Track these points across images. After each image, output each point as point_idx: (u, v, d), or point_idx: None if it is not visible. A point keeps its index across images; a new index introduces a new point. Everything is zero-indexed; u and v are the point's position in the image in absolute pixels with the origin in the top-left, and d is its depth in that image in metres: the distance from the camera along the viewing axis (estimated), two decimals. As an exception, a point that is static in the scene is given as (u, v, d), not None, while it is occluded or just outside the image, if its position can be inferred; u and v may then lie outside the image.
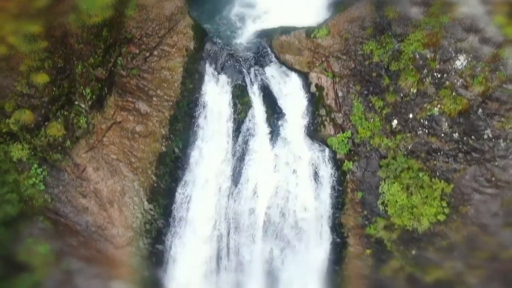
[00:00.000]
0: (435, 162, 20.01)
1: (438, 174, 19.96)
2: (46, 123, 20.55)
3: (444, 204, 19.74)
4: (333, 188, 21.32)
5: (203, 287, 21.94)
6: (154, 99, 21.09)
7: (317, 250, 21.32)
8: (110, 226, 21.13)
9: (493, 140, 19.35)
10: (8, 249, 20.76)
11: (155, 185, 21.42)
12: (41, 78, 19.91)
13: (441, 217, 19.69)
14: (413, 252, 20.18)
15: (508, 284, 19.01)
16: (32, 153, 20.62)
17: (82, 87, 20.70)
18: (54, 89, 20.19)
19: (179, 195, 21.63)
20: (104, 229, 21.09)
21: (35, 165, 20.87)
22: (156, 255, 21.63)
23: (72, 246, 21.09)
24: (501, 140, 19.24)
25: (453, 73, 19.61)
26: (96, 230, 21.09)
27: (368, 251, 20.79)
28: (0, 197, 20.28)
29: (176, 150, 21.63)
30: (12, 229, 20.75)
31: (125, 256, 21.08)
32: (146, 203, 21.43)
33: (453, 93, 19.62)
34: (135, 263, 21.26)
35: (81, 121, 20.98)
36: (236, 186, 21.52)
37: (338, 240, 21.31)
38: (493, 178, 19.68)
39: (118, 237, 21.13)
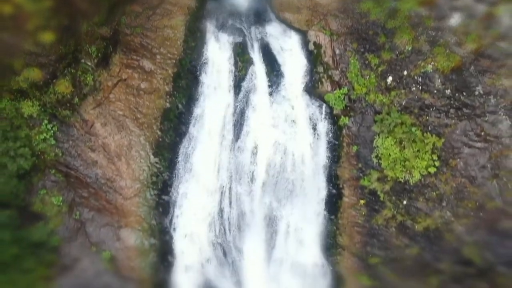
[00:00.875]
0: (427, 117, 20.36)
1: (430, 129, 20.33)
2: (54, 81, 20.88)
3: (435, 157, 20.19)
4: (329, 142, 21.70)
5: (207, 236, 22.67)
6: (158, 57, 21.29)
7: (313, 201, 21.82)
8: (118, 178, 21.75)
9: (483, 96, 19.62)
10: (23, 200, 21.50)
11: (160, 139, 21.88)
12: (48, 37, 20.05)
13: (432, 170, 20.18)
14: (404, 202, 20.68)
15: (492, 232, 19.64)
16: (42, 109, 21.08)
17: (87, 46, 20.88)
18: (60, 47, 20.37)
19: (183, 149, 22.19)
20: (113, 181, 21.72)
21: (45, 121, 21.36)
22: (162, 206, 22.27)
23: (83, 197, 21.79)
24: (491, 96, 19.51)
25: (447, 31, 19.69)
26: (105, 182, 21.72)
27: (362, 202, 21.28)
28: (14, 151, 20.88)
29: (180, 106, 21.98)
30: (26, 182, 21.42)
31: (133, 206, 21.77)
32: (152, 156, 21.93)
33: (447, 51, 19.76)
34: (142, 213, 21.91)
35: (88, 78, 21.30)
36: (237, 140, 22.02)
37: (334, 191, 21.78)
38: (483, 133, 20.06)
39: (126, 189, 21.75)
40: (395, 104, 20.60)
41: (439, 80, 19.99)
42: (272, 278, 21.69)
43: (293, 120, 21.78)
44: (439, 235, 20.29)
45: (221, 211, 22.30)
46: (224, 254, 22.30)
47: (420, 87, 20.28)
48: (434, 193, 20.39)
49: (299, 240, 21.86)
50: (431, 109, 20.29)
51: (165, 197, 22.28)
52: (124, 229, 21.84)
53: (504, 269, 19.26)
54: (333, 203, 21.93)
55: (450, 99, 20.01)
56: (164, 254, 22.09)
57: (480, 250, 19.60)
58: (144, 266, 21.81)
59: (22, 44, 19.83)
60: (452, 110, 20.22)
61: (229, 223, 22.29)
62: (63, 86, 20.96)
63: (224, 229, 22.49)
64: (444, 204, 20.35)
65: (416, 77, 20.27)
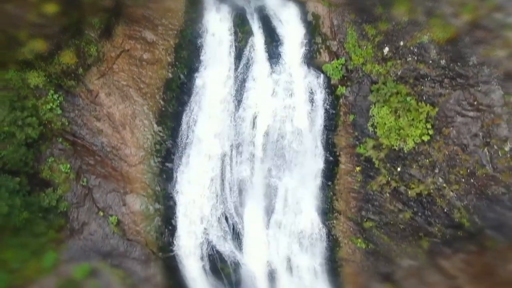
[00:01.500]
0: (422, 87, 20.59)
1: (424, 98, 20.53)
2: (59, 52, 21.03)
3: (429, 126, 20.48)
4: (327, 111, 21.95)
5: (209, 201, 23.21)
6: (160, 28, 21.38)
7: (311, 168, 22.23)
8: (123, 146, 22.18)
9: (477, 66, 19.75)
10: (32, 167, 22.01)
11: (163, 109, 22.18)
12: (51, 8, 20.11)
13: (426, 138, 20.52)
14: (398, 169, 21.07)
15: (482, 198, 20.10)
16: (48, 80, 21.30)
17: (90, 17, 21.00)
18: (64, 18, 20.45)
19: (185, 118, 22.51)
20: (118, 149, 22.15)
21: (51, 91, 21.63)
22: (166, 172, 22.74)
23: (90, 165, 22.29)
24: (485, 66, 19.63)
25: (444, 2, 19.63)
26: (111, 150, 22.17)
27: (357, 168, 21.74)
28: (21, 121, 21.25)
29: (182, 76, 22.18)
30: (34, 150, 21.87)
31: (138, 173, 22.28)
32: (155, 125, 22.28)
33: (443, 22, 19.82)
34: (147, 180, 22.41)
35: (92, 49, 21.45)
36: (237, 110, 22.33)
37: (331, 158, 22.16)
38: (475, 102, 20.30)
39: (131, 156, 22.20)
40: (391, 74, 20.79)
41: (435, 51, 20.11)
42: (271, 241, 22.31)
43: (292, 90, 22.03)
44: (431, 201, 20.79)
45: (222, 177, 22.73)
46: (226, 218, 22.92)
47: (415, 58, 20.43)
48: (427, 160, 20.81)
49: (297, 206, 22.40)
50: (426, 79, 20.48)
51: (168, 165, 22.75)
52: (130, 195, 22.39)
53: (492, 232, 19.86)
54: (330, 170, 22.34)
55: (445, 69, 20.17)
56: (168, 219, 22.66)
57: (470, 215, 20.14)
58: (149, 230, 22.43)
59: (26, 15, 19.92)
60: (446, 80, 20.42)
61: (230, 189, 22.78)
62: (67, 57, 21.17)
63: (225, 195, 23.01)
64: (436, 171, 20.78)
65: (412, 48, 20.39)
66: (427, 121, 20.59)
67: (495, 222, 19.87)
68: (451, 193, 20.57)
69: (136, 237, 22.45)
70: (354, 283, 21.30)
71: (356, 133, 21.64)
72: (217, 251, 22.17)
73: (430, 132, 20.55)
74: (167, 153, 22.66)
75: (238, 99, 22.21)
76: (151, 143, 22.24)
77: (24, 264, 21.45)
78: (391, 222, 21.18)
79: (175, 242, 22.32)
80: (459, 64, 19.96)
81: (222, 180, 22.93)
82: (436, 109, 20.35)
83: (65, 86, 21.54)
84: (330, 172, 22.26)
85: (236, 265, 22.11)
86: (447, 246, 20.27)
